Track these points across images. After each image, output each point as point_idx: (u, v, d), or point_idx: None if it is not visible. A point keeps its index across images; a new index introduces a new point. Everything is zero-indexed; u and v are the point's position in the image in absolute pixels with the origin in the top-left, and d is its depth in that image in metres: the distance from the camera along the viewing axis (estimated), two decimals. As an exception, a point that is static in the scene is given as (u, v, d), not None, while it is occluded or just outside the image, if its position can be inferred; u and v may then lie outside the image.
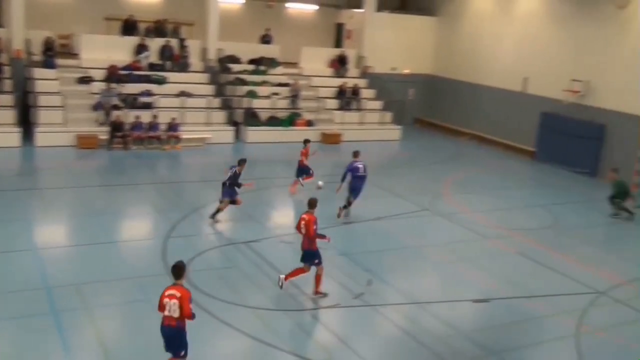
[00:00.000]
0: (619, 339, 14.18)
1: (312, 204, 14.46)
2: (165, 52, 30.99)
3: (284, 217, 20.47)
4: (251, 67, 33.42)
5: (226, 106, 30.91)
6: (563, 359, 13.21)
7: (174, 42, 31.43)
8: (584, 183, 27.44)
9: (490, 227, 20.78)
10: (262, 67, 33.55)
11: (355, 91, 34.62)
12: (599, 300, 15.89)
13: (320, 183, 22.13)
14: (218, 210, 18.71)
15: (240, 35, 34.75)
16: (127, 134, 26.82)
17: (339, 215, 19.69)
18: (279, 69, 34.15)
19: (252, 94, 31.54)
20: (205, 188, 22.42)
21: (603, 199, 23.52)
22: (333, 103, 33.93)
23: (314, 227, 14.01)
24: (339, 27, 40.19)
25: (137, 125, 27.08)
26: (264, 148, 29.08)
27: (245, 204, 20.46)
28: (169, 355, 10.49)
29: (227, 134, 29.66)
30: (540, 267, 17.79)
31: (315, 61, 35.68)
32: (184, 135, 27.90)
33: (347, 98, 34.21)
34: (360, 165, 19.99)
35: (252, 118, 30.63)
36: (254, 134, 30.22)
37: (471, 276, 16.86)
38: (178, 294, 10.08)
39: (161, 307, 10.23)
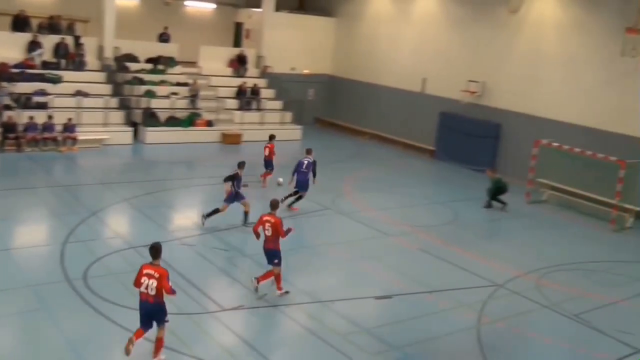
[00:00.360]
0: (517, 328, 14.80)
1: (274, 205, 14.80)
2: (59, 49, 30.06)
3: (185, 220, 20.20)
4: (149, 66, 32.83)
5: (124, 106, 30.26)
6: (465, 350, 13.58)
7: (69, 40, 30.54)
8: (482, 180, 28.18)
9: (393, 225, 21.17)
10: (160, 66, 33.03)
11: (255, 91, 34.55)
12: (498, 293, 16.52)
13: (280, 180, 22.59)
14: (217, 211, 18.79)
15: (138, 33, 34.09)
16: (21, 136, 25.88)
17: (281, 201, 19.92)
18: (178, 68, 33.69)
19: (150, 94, 30.99)
20: (103, 190, 21.95)
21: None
22: (233, 103, 33.74)
23: (283, 228, 14.41)
24: (238, 27, 40.01)
25: (31, 126, 26.17)
26: (163, 149, 28.68)
27: (145, 206, 20.29)
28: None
29: (125, 135, 29.03)
30: (441, 262, 18.30)
31: (214, 60, 35.37)
32: (81, 137, 27.14)
33: (247, 98, 34.09)
34: (305, 162, 21.46)
35: (150, 118, 30.11)
36: (153, 134, 29.71)
37: (374, 273, 17.12)
38: (156, 275, 10.92)
39: (137, 283, 11.08)
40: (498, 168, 27.18)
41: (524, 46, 29.11)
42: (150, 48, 33.56)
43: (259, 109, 34.20)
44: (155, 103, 30.78)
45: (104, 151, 27.49)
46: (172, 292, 11.12)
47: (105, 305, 13.37)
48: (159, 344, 11.43)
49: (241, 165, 19.26)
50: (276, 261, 14.53)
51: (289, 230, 14.72)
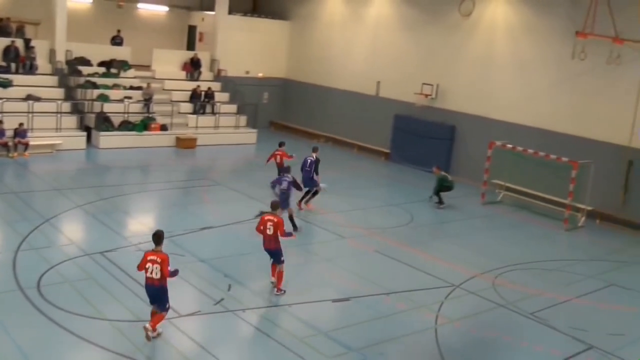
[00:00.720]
0: (474, 327, 14.95)
1: (274, 206, 15.52)
2: (9, 53, 29.44)
3: (139, 225, 19.96)
4: (102, 69, 32.39)
5: (77, 110, 29.79)
6: (423, 350, 13.67)
7: (19, 43, 29.94)
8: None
9: (349, 227, 21.21)
10: (113, 70, 32.62)
11: (209, 95, 34.31)
12: (455, 293, 16.68)
13: (323, 185, 22.76)
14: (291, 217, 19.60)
15: (90, 36, 33.66)
16: (-31, 141, 25.41)
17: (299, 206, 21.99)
18: (131, 72, 33.30)
19: (103, 98, 30.53)
20: (57, 197, 21.57)
21: (454, 196, 24.97)
22: (187, 107, 33.48)
23: (284, 228, 15.15)
24: (191, 30, 39.76)
25: (-21, 132, 25.69)
26: (117, 154, 28.34)
27: (99, 212, 20.03)
28: None
29: (78, 140, 28.57)
30: (398, 264, 18.37)
31: (167, 64, 35.07)
32: (33, 142, 26.63)
33: (201, 102, 33.86)
34: (309, 160, 22.36)
35: (104, 123, 29.68)
36: (106, 139, 29.31)
37: (331, 276, 17.13)
38: (158, 260, 12.00)
39: (141, 267, 12.20)
40: (451, 169, 27.45)
41: (477, 49, 29.47)
42: (102, 51, 33.09)
43: (213, 113, 33.99)
44: (108, 107, 30.35)
45: (56, 156, 27.06)
46: (170, 275, 12.19)
47: (59, 313, 13.14)
48: (158, 318, 12.44)
49: (287, 170, 20.30)
50: (282, 259, 15.37)
51: (290, 234, 15.55)
